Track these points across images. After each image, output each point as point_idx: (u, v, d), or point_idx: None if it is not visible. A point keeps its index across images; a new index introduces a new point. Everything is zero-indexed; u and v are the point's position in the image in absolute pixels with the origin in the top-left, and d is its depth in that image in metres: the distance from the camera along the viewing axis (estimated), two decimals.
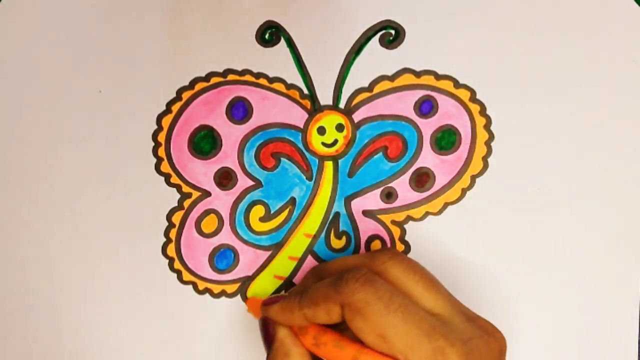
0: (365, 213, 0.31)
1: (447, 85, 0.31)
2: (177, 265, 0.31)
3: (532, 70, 0.31)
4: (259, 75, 0.30)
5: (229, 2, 0.30)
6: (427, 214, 0.31)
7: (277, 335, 0.27)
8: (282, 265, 0.31)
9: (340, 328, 0.25)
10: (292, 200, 0.31)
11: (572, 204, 0.31)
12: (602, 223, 0.31)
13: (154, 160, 0.31)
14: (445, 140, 0.31)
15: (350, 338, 0.25)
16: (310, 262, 0.31)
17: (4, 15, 0.30)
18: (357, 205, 0.31)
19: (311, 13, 0.30)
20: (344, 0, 0.30)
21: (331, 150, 0.31)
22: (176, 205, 0.31)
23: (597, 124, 0.31)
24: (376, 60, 0.30)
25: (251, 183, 0.31)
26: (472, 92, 0.31)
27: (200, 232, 0.31)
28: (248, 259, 0.31)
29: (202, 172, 0.31)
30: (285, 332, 0.26)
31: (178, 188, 0.31)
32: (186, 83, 0.30)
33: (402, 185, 0.31)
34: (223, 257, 0.31)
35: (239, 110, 0.31)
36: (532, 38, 0.31)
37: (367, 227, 0.31)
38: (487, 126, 0.31)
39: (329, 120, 0.31)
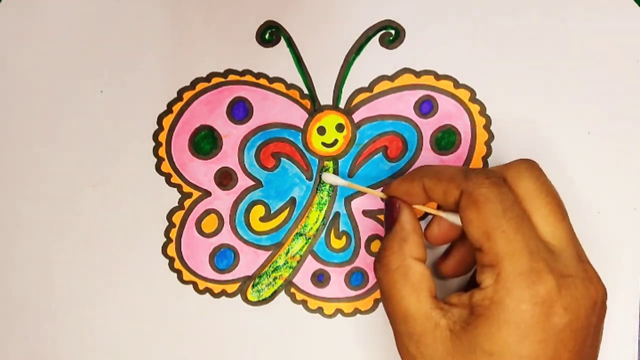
0: (365, 213, 0.31)
1: (447, 85, 0.31)
2: (177, 265, 0.31)
3: (532, 70, 0.31)
4: (259, 75, 0.30)
5: (229, 2, 0.30)
6: (427, 214, 0.31)
7: (399, 218, 0.26)
8: (282, 265, 0.31)
9: None
10: (292, 200, 0.31)
11: (572, 204, 0.31)
12: (602, 223, 0.31)
13: (155, 160, 0.31)
14: (445, 140, 0.31)
15: None
16: (310, 262, 0.31)
17: (4, 15, 0.30)
18: (357, 205, 0.31)
19: (311, 13, 0.30)
20: (344, 0, 0.30)
21: (331, 150, 0.31)
22: (176, 205, 0.31)
23: (598, 124, 0.31)
24: (376, 60, 0.30)
25: (251, 183, 0.31)
26: (472, 92, 0.31)
27: (200, 232, 0.31)
28: (248, 259, 0.31)
29: (202, 172, 0.31)
30: (409, 217, 0.26)
31: (178, 188, 0.31)
32: (187, 83, 0.30)
33: None
34: (223, 257, 0.31)
35: (240, 110, 0.31)
36: (532, 38, 0.31)
37: (367, 227, 0.31)
38: (487, 126, 0.31)
39: (329, 120, 0.31)
